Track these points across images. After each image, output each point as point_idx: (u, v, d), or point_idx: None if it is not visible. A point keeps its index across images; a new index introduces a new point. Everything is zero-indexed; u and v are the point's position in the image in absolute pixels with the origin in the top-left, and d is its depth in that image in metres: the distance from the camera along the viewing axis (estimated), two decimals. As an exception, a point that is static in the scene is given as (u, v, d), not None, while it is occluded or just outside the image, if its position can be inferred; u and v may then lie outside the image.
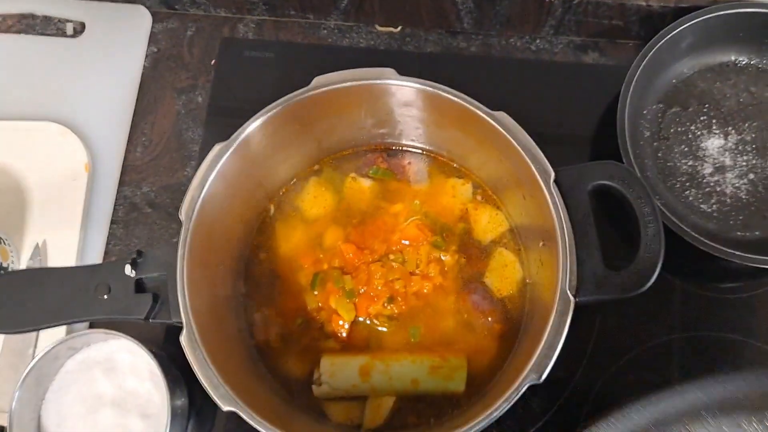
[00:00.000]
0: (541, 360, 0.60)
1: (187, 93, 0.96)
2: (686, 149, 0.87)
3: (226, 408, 0.62)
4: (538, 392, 0.80)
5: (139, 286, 0.67)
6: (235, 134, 0.69)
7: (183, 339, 0.63)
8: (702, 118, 0.89)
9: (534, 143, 0.66)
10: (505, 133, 0.66)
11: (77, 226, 0.86)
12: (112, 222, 0.89)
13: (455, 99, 0.68)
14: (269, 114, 0.70)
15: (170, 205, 0.91)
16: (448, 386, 0.72)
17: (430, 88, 0.69)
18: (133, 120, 0.94)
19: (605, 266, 0.64)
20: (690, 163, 0.87)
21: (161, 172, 0.93)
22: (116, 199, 0.90)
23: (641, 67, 0.84)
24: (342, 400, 0.73)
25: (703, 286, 0.85)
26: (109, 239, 0.90)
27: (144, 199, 0.91)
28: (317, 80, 0.70)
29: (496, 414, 0.60)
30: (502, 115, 0.67)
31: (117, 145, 0.93)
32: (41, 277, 0.68)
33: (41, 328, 0.69)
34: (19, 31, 1.00)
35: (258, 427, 0.61)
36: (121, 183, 0.91)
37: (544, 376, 0.60)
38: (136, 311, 0.66)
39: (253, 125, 0.70)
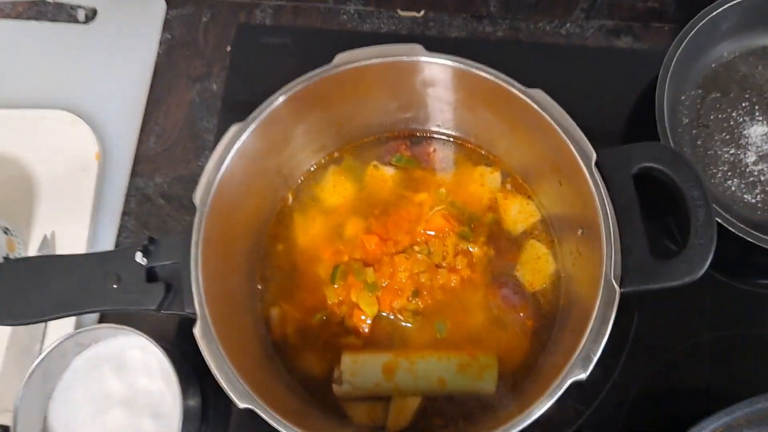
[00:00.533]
0: (585, 354, 0.56)
1: (202, 81, 0.93)
2: (727, 137, 0.84)
3: (242, 405, 0.58)
4: (573, 393, 0.75)
5: (151, 276, 0.64)
6: (254, 113, 0.66)
7: (197, 331, 0.60)
8: (744, 104, 0.85)
9: (573, 123, 0.62)
10: (542, 111, 0.62)
11: (87, 218, 0.84)
12: (124, 214, 0.87)
13: (488, 76, 0.64)
14: (290, 93, 0.66)
15: (184, 197, 0.88)
16: (477, 386, 0.69)
17: (462, 65, 0.65)
18: (146, 109, 0.92)
19: (651, 255, 0.60)
20: (732, 151, 0.83)
21: (175, 162, 0.90)
22: (128, 190, 0.88)
23: (679, 51, 0.80)
24: (364, 401, 0.70)
25: (747, 281, 0.81)
26: (121, 231, 0.86)
27: (157, 190, 0.88)
28: (340, 57, 0.67)
29: (537, 412, 0.56)
30: (538, 92, 0.63)
31: (129, 135, 0.91)
32: (47, 265, 0.65)
33: (46, 320, 0.65)
34: (29, 18, 0.98)
35: (277, 427, 0.57)
36: (133, 173, 0.89)
37: (589, 370, 0.56)
38: (148, 301, 0.62)
39: (272, 105, 0.66)
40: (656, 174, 0.62)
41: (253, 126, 0.66)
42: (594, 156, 0.61)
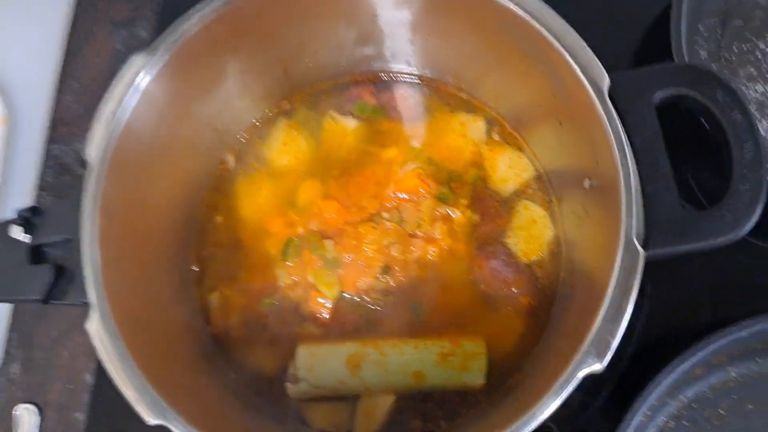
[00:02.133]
0: (601, 337, 0.46)
1: (128, 27, 0.85)
2: (754, 72, 0.74)
3: (153, 421, 0.48)
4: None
5: (37, 256, 0.53)
6: (161, 37, 0.53)
7: (90, 325, 0.49)
8: (772, 33, 0.76)
9: (579, 38, 0.50)
10: (537, 26, 0.50)
11: (-9, 195, 0.75)
12: (39, 188, 0.79)
13: (464, -17, 0.52)
14: (211, 10, 0.52)
15: (110, 165, 0.77)
16: (462, 379, 0.63)
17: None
18: (63, 62, 0.83)
19: (682, 206, 0.49)
20: (760, 89, 0.74)
21: (98, 124, 0.78)
22: (44, 160, 0.80)
23: (695, -30, 0.71)
24: (325, 402, 0.64)
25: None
26: (34, 210, 0.76)
27: (77, 158, 0.80)
28: (276, -35, 0.53)
29: (541, 414, 0.45)
30: (534, 1, 0.50)
31: (42, 94, 0.83)
32: None
33: None
34: None
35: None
36: (50, 140, 0.80)
37: (607, 359, 0.45)
38: (30, 289, 0.51)
39: (186, 24, 0.53)
40: (685, 103, 0.50)
41: (163, 55, 0.52)
42: (606, 81, 0.50)
